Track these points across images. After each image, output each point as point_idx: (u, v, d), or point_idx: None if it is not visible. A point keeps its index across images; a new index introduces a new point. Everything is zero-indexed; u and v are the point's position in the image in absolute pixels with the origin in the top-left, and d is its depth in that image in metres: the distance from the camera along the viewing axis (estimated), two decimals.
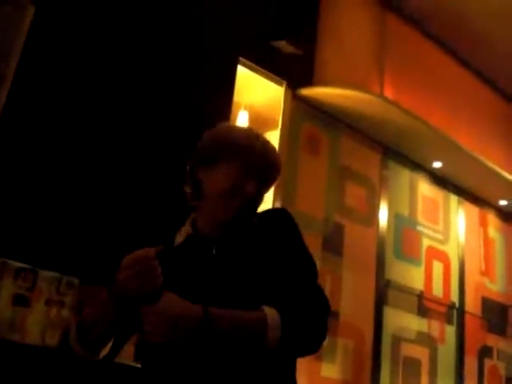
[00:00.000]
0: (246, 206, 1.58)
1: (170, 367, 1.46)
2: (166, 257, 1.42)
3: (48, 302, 2.88)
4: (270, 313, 1.40)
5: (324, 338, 1.49)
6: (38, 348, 2.82)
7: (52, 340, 2.86)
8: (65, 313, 2.91)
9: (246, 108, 4.55)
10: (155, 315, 1.34)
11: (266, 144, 1.64)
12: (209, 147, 1.63)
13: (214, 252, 1.55)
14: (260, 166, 1.60)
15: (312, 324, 1.47)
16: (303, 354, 1.52)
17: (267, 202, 4.20)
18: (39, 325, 2.83)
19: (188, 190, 1.66)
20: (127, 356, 2.90)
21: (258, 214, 1.65)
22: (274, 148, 1.67)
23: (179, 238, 1.64)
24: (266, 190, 1.67)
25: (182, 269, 1.54)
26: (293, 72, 4.47)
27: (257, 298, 1.45)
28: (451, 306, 5.42)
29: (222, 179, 1.58)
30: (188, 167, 1.67)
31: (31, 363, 2.79)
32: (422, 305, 5.15)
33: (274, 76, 4.38)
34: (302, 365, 1.50)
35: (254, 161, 1.59)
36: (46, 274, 2.90)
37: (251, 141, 1.61)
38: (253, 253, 1.53)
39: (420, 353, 5.01)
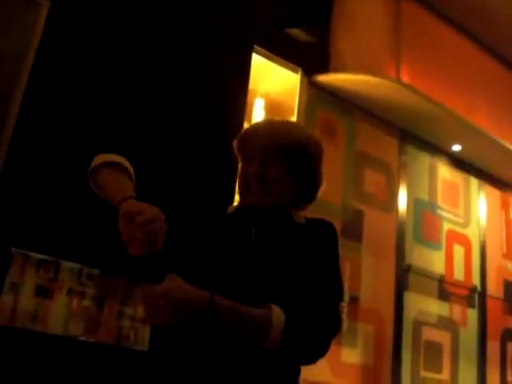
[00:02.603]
0: (264, 189, 1.61)
1: (171, 351, 1.51)
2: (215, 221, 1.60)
3: (70, 293, 2.94)
4: (277, 314, 1.39)
5: (322, 355, 1.48)
6: (60, 338, 2.88)
7: (74, 330, 2.92)
8: (86, 303, 2.97)
9: (261, 96, 4.56)
10: (157, 297, 1.31)
11: (255, 126, 1.76)
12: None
13: (252, 237, 1.58)
14: (244, 148, 1.69)
15: (315, 338, 1.47)
16: (297, 363, 1.54)
17: None
18: (61, 315, 2.90)
19: None
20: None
21: (309, 218, 1.69)
22: (266, 129, 1.68)
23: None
24: (292, 170, 1.65)
25: (220, 236, 1.60)
26: (308, 59, 4.46)
27: (280, 287, 1.48)
28: (473, 290, 5.39)
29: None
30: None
31: (53, 353, 2.86)
32: (443, 289, 5.14)
33: (289, 63, 4.38)
34: None
35: (243, 146, 1.69)
36: (67, 265, 2.96)
37: (243, 132, 1.74)
38: (290, 246, 1.57)
39: (441, 337, 5.00)
